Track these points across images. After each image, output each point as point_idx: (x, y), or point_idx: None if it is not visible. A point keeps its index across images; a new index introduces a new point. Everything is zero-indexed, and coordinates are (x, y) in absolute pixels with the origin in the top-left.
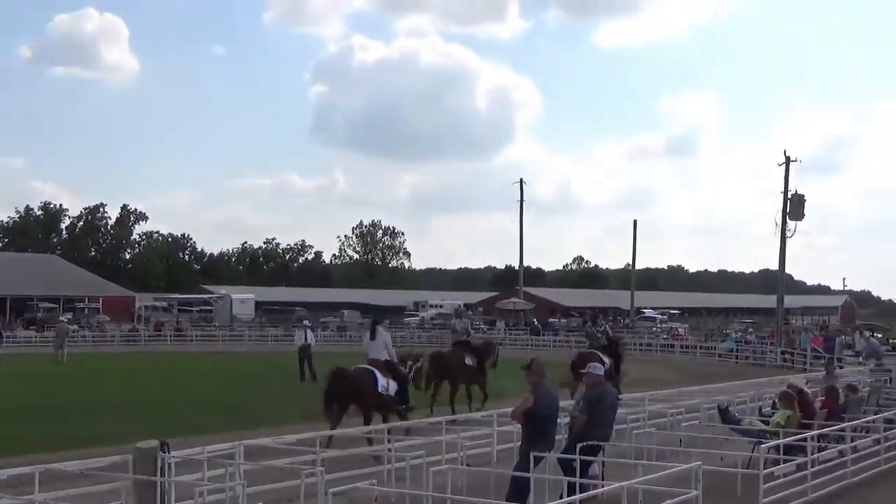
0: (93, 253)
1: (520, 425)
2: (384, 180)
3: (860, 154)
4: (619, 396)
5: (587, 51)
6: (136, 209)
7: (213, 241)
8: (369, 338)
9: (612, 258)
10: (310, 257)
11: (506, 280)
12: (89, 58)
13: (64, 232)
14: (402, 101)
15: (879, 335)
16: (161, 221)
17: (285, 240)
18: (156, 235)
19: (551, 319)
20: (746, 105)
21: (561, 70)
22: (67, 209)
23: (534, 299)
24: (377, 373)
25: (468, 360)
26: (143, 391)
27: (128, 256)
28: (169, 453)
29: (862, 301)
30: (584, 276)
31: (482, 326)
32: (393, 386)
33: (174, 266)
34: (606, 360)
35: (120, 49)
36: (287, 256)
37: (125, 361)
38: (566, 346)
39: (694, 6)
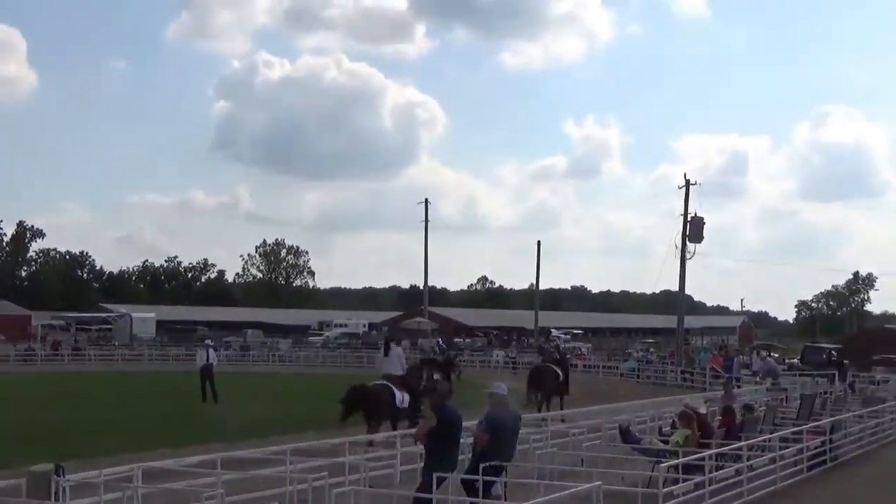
0: None
1: (423, 446)
2: (288, 198)
3: (757, 178)
4: (521, 416)
5: (492, 72)
6: (32, 226)
7: (113, 259)
8: (383, 354)
9: (516, 278)
10: (212, 276)
11: (411, 300)
12: None
13: None
14: (307, 119)
15: (776, 355)
16: (59, 239)
17: (188, 258)
18: (53, 253)
19: (456, 339)
20: (647, 128)
21: (466, 90)
22: None
23: (438, 319)
24: (394, 388)
25: (435, 376)
26: (38, 412)
27: (24, 274)
28: (64, 477)
29: (759, 322)
30: (488, 295)
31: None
32: (407, 398)
33: (72, 284)
34: (560, 372)
35: (17, 62)
36: (189, 275)
37: (20, 382)
38: (471, 366)
39: (596, 30)
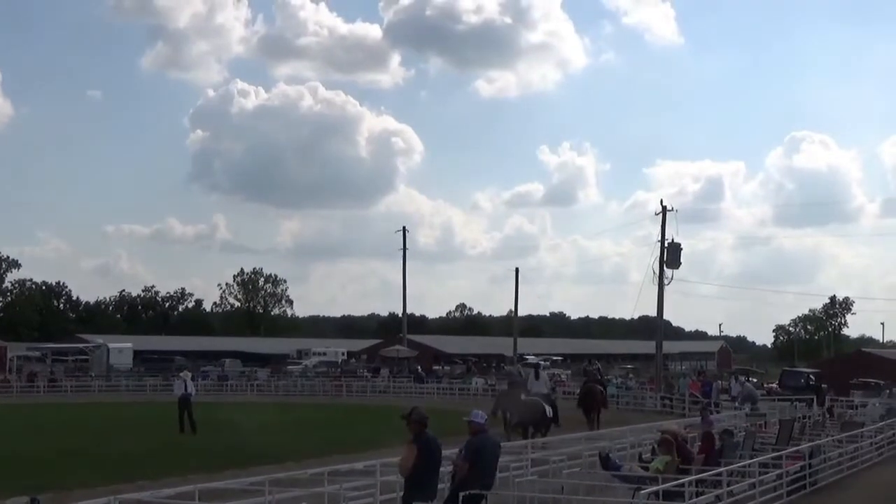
0: None
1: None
2: (266, 227)
3: (732, 204)
4: (501, 444)
5: (467, 100)
6: (8, 256)
7: (89, 290)
8: (534, 378)
9: (494, 305)
10: (190, 305)
11: (389, 327)
12: None
13: None
14: (283, 148)
15: (754, 380)
16: (35, 269)
17: (164, 287)
18: (29, 283)
19: (435, 367)
20: (622, 155)
21: (442, 119)
22: None
23: (417, 347)
24: (543, 403)
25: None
26: (14, 445)
27: None
28: None
29: (737, 346)
30: (467, 323)
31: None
32: (550, 411)
33: (48, 315)
34: (603, 390)
35: None
36: (166, 304)
37: None
38: (450, 394)
39: (570, 58)
